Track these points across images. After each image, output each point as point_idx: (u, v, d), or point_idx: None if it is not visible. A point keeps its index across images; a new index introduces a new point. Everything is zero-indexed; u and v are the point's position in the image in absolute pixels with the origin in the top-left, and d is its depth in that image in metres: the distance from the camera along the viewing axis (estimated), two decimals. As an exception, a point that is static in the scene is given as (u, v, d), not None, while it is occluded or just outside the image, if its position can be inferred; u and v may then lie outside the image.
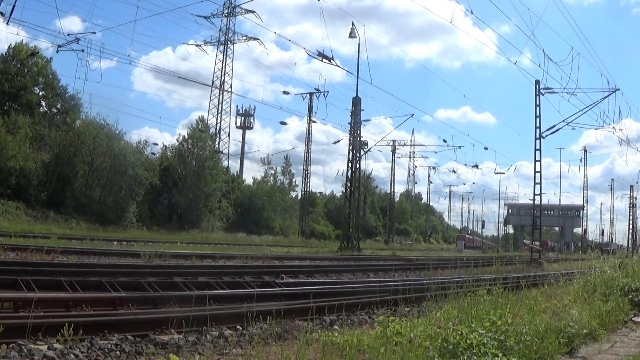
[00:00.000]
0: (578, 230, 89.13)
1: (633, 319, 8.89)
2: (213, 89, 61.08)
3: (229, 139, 62.60)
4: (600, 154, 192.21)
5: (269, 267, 17.96)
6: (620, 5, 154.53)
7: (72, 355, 5.75)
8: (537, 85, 34.20)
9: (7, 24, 28.53)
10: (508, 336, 5.36)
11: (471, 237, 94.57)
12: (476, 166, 62.75)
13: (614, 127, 37.07)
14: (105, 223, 39.22)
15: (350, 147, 42.14)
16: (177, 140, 52.99)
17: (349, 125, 43.14)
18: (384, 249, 48.47)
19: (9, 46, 45.32)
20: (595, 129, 37.88)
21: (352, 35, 37.39)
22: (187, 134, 52.56)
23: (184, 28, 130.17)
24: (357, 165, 42.52)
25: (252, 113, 74.02)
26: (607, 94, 33.68)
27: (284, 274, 14.73)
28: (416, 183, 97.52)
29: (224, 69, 60.99)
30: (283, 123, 56.83)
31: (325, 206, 75.19)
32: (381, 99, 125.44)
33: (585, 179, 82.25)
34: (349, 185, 42.55)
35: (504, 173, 76.21)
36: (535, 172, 35.23)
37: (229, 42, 60.96)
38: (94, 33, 31.84)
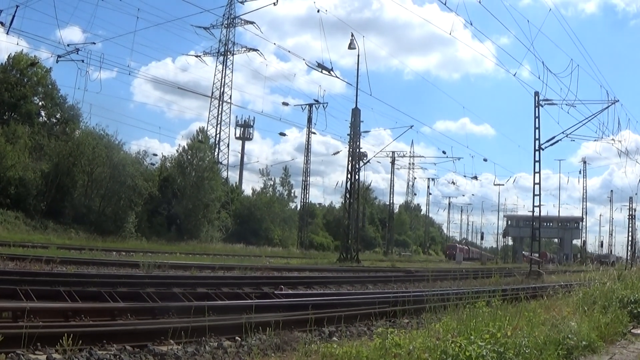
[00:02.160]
0: (577, 242, 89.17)
1: (632, 331, 8.87)
2: (212, 99, 61.29)
3: (229, 149, 62.71)
4: (599, 165, 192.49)
5: (268, 278, 17.95)
6: (618, 17, 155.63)
7: (70, 366, 5.75)
8: (537, 97, 34.31)
9: (7, 33, 28.64)
10: (507, 348, 5.36)
11: (466, 247, 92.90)
12: (475, 178, 62.87)
13: (613, 139, 37.20)
14: (104, 233, 39.13)
15: (350, 159, 42.29)
16: (177, 151, 53.07)
17: (349, 137, 43.40)
18: (383, 261, 48.47)
19: (9, 56, 45.59)
20: (595, 140, 37.87)
21: (351, 46, 37.67)
22: (187, 144, 52.68)
23: (183, 39, 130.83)
24: (357, 177, 42.67)
25: (252, 124, 74.26)
26: (606, 106, 33.74)
27: (283, 285, 14.73)
28: (415, 194, 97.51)
29: (223, 80, 61.22)
30: (282, 134, 57.50)
31: (324, 217, 75.11)
32: (380, 110, 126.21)
33: (584, 191, 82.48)
34: (348, 196, 42.61)
35: (503, 185, 76.16)
36: (534, 183, 35.26)
37: (228, 53, 61.20)
38: (94, 43, 32.17)
